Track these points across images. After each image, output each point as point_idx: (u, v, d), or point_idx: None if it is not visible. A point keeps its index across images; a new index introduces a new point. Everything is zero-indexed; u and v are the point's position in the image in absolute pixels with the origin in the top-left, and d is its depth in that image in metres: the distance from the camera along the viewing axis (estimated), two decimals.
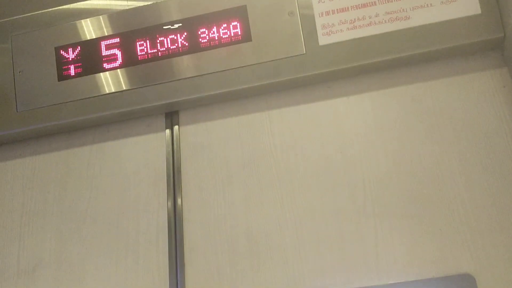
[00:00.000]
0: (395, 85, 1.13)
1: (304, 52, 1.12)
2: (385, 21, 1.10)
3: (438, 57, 1.11)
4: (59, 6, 1.27)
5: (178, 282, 1.06)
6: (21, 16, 1.29)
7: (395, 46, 1.09)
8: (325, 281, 1.00)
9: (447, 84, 1.10)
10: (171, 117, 1.23)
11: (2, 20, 1.30)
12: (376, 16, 1.10)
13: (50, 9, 1.28)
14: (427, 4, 1.08)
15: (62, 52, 1.23)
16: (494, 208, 0.98)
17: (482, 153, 1.03)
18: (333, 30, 1.12)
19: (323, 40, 1.12)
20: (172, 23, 1.19)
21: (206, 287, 1.05)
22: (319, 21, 1.12)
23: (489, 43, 1.07)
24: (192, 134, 1.20)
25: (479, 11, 1.06)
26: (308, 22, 1.13)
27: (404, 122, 1.09)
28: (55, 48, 1.24)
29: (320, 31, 1.12)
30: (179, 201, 1.14)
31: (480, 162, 1.02)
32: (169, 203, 1.14)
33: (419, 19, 1.08)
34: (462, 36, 1.07)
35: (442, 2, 1.07)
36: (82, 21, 1.24)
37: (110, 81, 1.20)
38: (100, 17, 1.24)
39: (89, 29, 1.24)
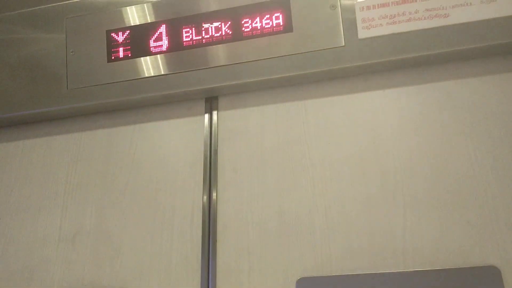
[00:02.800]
0: (431, 81, 1.15)
1: (343, 44, 1.16)
2: (425, 18, 1.12)
3: (475, 55, 1.13)
4: None
5: (210, 257, 1.11)
6: (76, 0, 1.37)
7: (433, 43, 1.12)
8: (352, 265, 1.03)
9: (483, 82, 1.12)
10: (211, 102, 1.28)
11: (58, 4, 1.39)
12: (416, 12, 1.13)
13: None
14: (467, 3, 1.11)
15: (113, 35, 1.30)
16: None
17: None
18: (373, 24, 1.15)
19: (362, 34, 1.15)
20: (218, 12, 1.25)
21: (236, 263, 1.09)
22: (359, 15, 1.16)
23: None
24: (230, 119, 1.25)
25: None
26: (349, 15, 1.17)
27: (439, 117, 1.11)
28: (106, 31, 1.31)
29: (360, 25, 1.16)
30: (214, 181, 1.19)
31: None
32: (205, 182, 1.19)
33: (458, 17, 1.11)
34: (500, 36, 1.08)
35: (481, 2, 1.10)
36: (133, 7, 1.31)
37: (155, 64, 1.27)
38: (150, 4, 1.31)
39: (138, 15, 1.30)
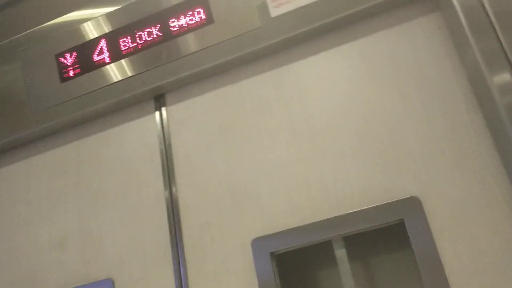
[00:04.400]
0: (346, 41, 1.26)
1: (260, 25, 1.27)
2: None
3: (380, 10, 1.24)
4: (53, 19, 1.48)
5: (177, 236, 1.25)
6: (24, 33, 1.51)
7: (339, 7, 1.22)
8: (295, 219, 1.16)
9: (390, 33, 1.23)
10: (159, 100, 1.41)
11: (11, 39, 1.53)
12: None
13: (47, 24, 1.49)
14: None
15: (60, 58, 1.44)
16: (434, 137, 1.10)
17: (422, 90, 1.15)
18: (282, 2, 1.26)
19: (274, 12, 1.27)
20: (147, 18, 1.37)
21: (200, 236, 1.23)
22: None
23: None
24: (178, 112, 1.38)
25: None
26: None
27: (355, 74, 1.22)
28: (55, 55, 1.45)
29: (270, 5, 1.27)
30: (171, 169, 1.32)
31: (420, 99, 1.14)
32: (164, 172, 1.33)
33: None
34: None
35: None
36: (74, 28, 1.44)
37: (103, 76, 1.40)
38: (89, 22, 1.44)
39: (80, 34, 1.44)
